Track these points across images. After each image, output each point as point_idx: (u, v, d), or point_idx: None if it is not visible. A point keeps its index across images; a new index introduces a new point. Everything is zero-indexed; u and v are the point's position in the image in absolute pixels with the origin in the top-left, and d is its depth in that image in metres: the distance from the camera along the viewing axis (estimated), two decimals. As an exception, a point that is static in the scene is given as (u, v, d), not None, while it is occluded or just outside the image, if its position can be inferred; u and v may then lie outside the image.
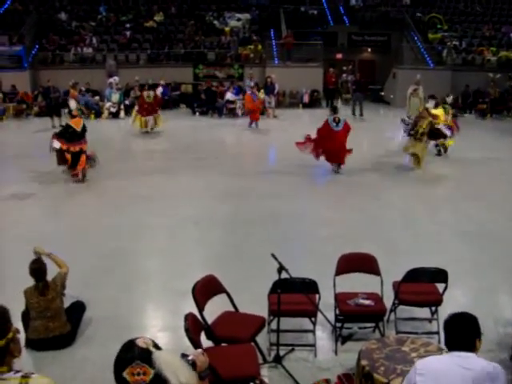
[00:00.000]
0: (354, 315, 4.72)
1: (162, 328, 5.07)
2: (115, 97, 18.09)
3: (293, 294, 4.38)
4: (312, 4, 23.69)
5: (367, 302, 4.67)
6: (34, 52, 20.17)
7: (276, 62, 21.09)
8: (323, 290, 4.55)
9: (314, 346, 4.64)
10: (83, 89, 18.13)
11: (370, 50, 23.99)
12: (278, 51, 21.34)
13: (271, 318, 4.60)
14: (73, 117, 10.25)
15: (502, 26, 22.77)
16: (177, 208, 8.49)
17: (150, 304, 5.68)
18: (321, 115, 11.58)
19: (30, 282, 4.62)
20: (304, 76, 20.19)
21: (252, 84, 17.27)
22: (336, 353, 4.63)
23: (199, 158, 11.99)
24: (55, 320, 4.64)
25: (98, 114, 17.89)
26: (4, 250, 6.97)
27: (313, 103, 20.49)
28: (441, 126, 10.94)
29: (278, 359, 4.39)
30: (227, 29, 21.94)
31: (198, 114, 18.63)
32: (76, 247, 6.73)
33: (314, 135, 10.52)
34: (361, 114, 18.09)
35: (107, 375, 2.28)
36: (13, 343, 2.28)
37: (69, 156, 9.73)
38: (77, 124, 9.93)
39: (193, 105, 18.99)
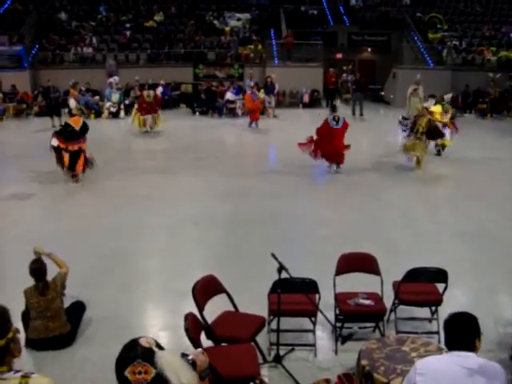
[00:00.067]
0: (354, 315, 4.72)
1: (162, 328, 5.07)
2: (115, 97, 18.09)
3: (293, 294, 4.38)
4: (312, 4, 23.70)
5: (367, 301, 4.67)
6: (34, 52, 20.17)
7: (276, 61, 21.09)
8: (323, 289, 4.55)
9: (314, 345, 4.64)
10: (83, 89, 18.12)
11: (370, 49, 24.00)
12: (278, 51, 21.34)
13: (271, 317, 4.60)
14: (72, 115, 10.23)
15: (502, 26, 22.77)
16: (177, 208, 8.49)
17: (150, 304, 5.68)
18: (321, 115, 11.57)
19: (30, 281, 4.62)
20: (304, 76, 20.19)
21: (252, 84, 17.27)
22: (336, 352, 4.63)
23: (199, 158, 11.99)
24: (55, 320, 4.64)
25: (98, 114, 17.88)
26: (4, 250, 6.97)
27: (313, 103, 20.48)
28: (437, 124, 10.95)
29: (278, 359, 4.39)
30: (227, 29, 21.94)
31: (198, 113, 18.62)
32: (76, 247, 6.73)
33: (314, 136, 10.54)
34: (361, 114, 18.09)
35: (107, 375, 2.28)
36: (13, 343, 2.28)
37: (67, 156, 9.70)
38: (76, 123, 9.91)
39: (193, 105, 18.99)
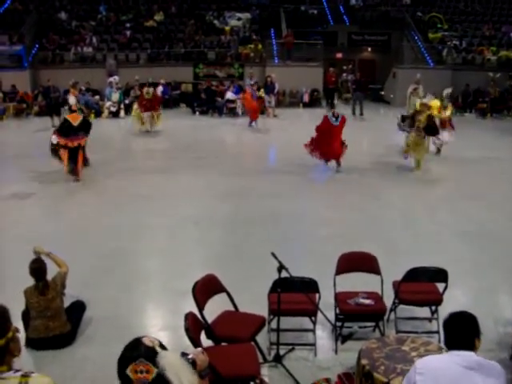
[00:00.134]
0: (354, 314, 4.72)
1: (162, 327, 5.07)
2: (115, 96, 18.09)
3: (293, 294, 4.38)
4: (312, 3, 23.70)
5: (367, 301, 4.67)
6: (34, 51, 20.16)
7: (276, 61, 21.09)
8: (323, 289, 4.55)
9: (314, 345, 4.64)
10: (83, 88, 18.08)
11: (370, 49, 24.00)
12: (278, 50, 21.34)
13: (271, 317, 4.60)
14: (72, 111, 10.23)
15: (502, 26, 22.77)
16: (177, 208, 8.49)
17: (150, 304, 5.68)
18: (321, 115, 11.56)
19: (30, 281, 4.62)
20: (304, 75, 20.18)
21: (252, 83, 17.27)
22: (336, 352, 4.63)
23: (199, 158, 11.99)
24: (55, 319, 4.64)
25: (98, 114, 17.87)
26: (4, 250, 6.97)
27: (313, 103, 20.48)
28: (436, 120, 10.94)
29: (278, 358, 4.39)
30: (227, 28, 21.95)
31: (198, 113, 18.63)
32: (76, 247, 6.73)
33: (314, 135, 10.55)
34: (361, 114, 18.09)
35: (107, 374, 2.28)
36: (13, 342, 2.28)
37: (65, 153, 9.68)
38: (73, 118, 9.91)
39: (193, 104, 18.99)
